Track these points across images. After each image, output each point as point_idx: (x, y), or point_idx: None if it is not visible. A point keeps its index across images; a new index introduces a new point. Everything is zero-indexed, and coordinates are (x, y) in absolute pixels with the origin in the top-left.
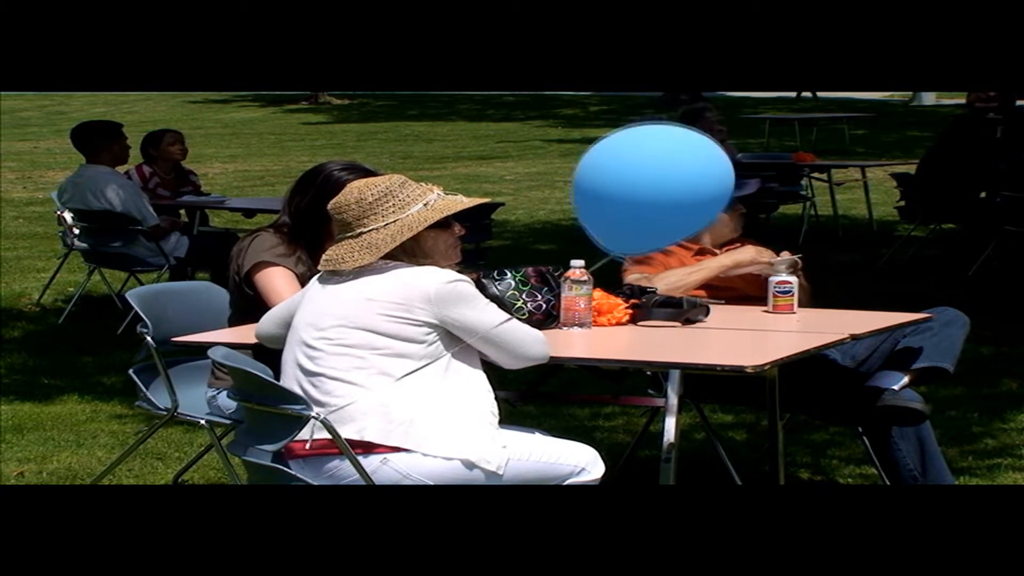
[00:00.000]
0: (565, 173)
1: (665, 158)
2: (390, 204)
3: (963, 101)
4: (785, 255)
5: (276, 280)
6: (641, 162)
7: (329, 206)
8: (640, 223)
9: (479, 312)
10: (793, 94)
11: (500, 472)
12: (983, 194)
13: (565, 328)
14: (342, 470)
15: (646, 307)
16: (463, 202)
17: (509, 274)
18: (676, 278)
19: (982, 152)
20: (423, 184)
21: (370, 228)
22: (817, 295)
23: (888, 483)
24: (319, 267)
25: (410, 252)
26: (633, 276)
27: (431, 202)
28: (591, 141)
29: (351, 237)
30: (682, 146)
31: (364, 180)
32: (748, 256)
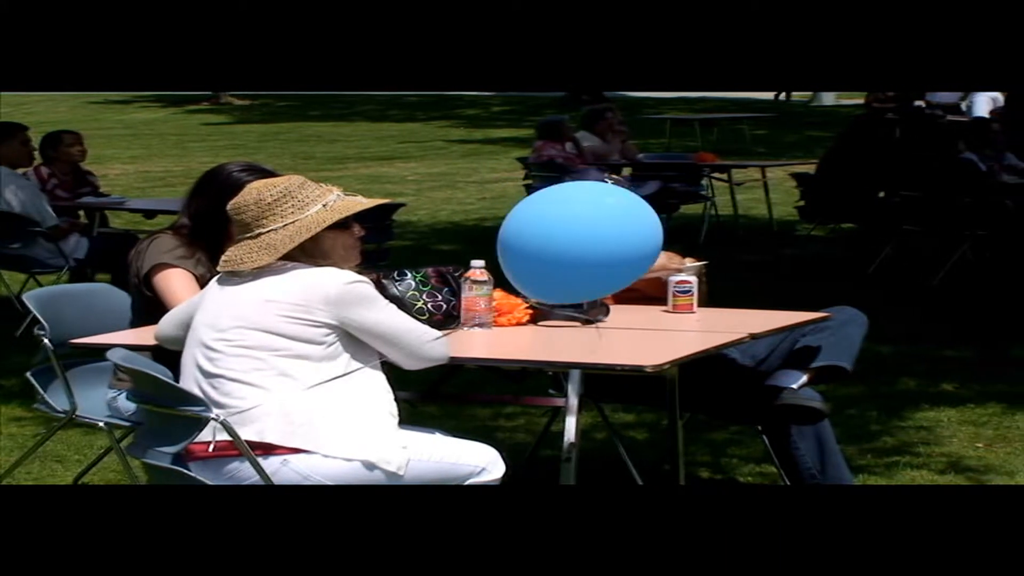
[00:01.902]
0: (467, 173)
1: (593, 219)
2: (289, 205)
3: (862, 101)
4: (691, 261)
5: (175, 282)
6: (569, 222)
7: (228, 207)
8: (566, 280)
9: (379, 313)
10: (695, 94)
11: (401, 473)
12: (882, 194)
13: (466, 328)
14: (242, 472)
15: (546, 307)
16: (362, 203)
17: (409, 275)
18: None
19: (881, 152)
20: (322, 185)
21: (269, 229)
22: (717, 295)
23: (788, 482)
24: (218, 268)
25: (309, 253)
26: None
27: (330, 203)
28: (493, 141)
29: (250, 238)
30: (610, 207)
31: (263, 181)
32: (657, 262)
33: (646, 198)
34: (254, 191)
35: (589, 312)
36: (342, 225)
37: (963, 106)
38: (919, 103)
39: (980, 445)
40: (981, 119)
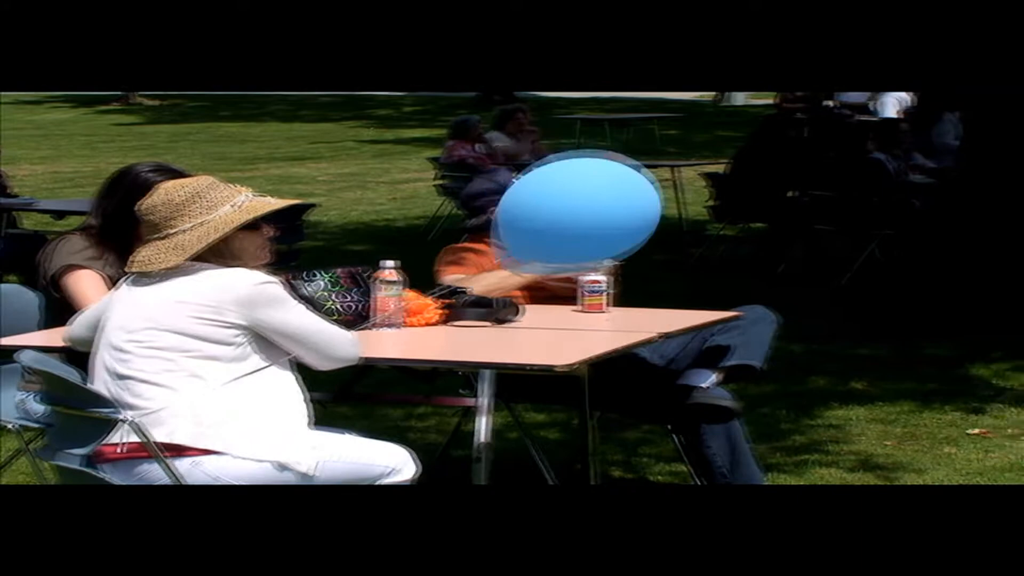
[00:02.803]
0: (378, 174)
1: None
2: (198, 205)
3: (772, 101)
4: (605, 261)
5: (84, 283)
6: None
7: (137, 208)
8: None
9: (289, 314)
10: (606, 94)
11: (312, 474)
12: (791, 193)
13: (376, 329)
14: (153, 473)
15: (457, 307)
16: (272, 203)
17: (320, 275)
18: (495, 280)
19: (790, 152)
20: (232, 186)
21: (178, 229)
22: (629, 294)
23: (699, 481)
24: (127, 269)
25: (219, 253)
26: (449, 277)
27: (240, 203)
28: (405, 142)
29: (159, 239)
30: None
31: (173, 181)
32: None
33: None
34: (163, 192)
35: (500, 312)
36: (252, 226)
37: (871, 106)
38: (828, 103)
39: (889, 443)
40: (889, 119)
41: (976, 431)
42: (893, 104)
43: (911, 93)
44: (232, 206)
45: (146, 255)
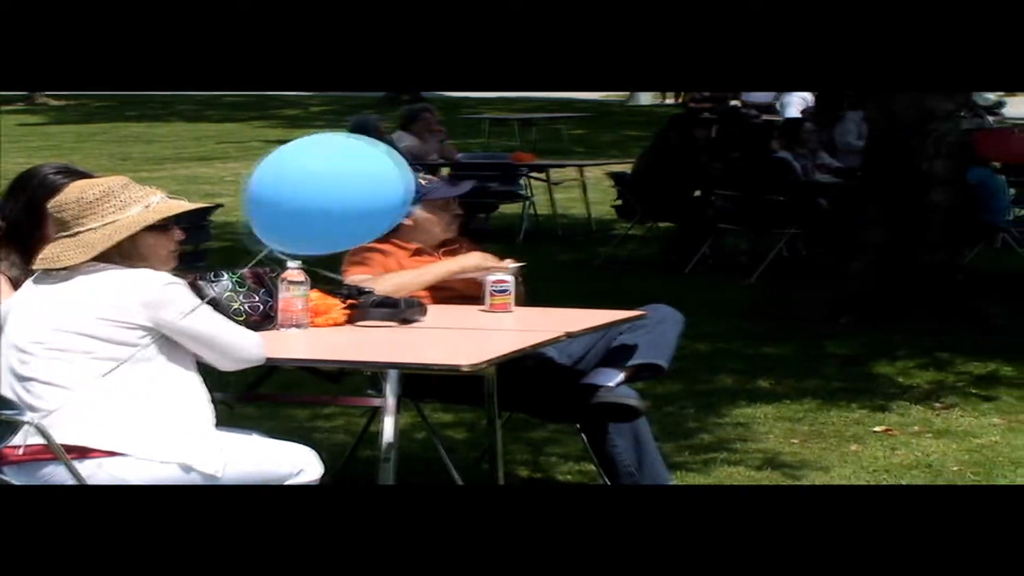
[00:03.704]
0: None
1: (337, 169)
2: (110, 204)
3: (677, 101)
4: (509, 262)
5: None
6: (315, 172)
7: (49, 204)
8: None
9: (194, 315)
10: (513, 94)
11: (217, 475)
12: (698, 192)
13: (282, 329)
14: (57, 476)
15: (363, 307)
16: (184, 206)
17: (226, 276)
18: (401, 281)
19: (697, 152)
20: (146, 187)
21: (87, 228)
22: (535, 294)
23: (606, 480)
24: (33, 266)
25: (126, 254)
26: (355, 278)
27: (152, 204)
28: None
29: (67, 236)
30: (356, 157)
31: (87, 180)
32: (473, 262)
33: (462, 198)
34: (76, 189)
35: (406, 312)
36: (162, 228)
37: (777, 105)
38: (735, 103)
39: (795, 441)
40: (794, 119)
41: (881, 429)
42: (798, 103)
43: (817, 92)
44: (144, 207)
45: (52, 252)
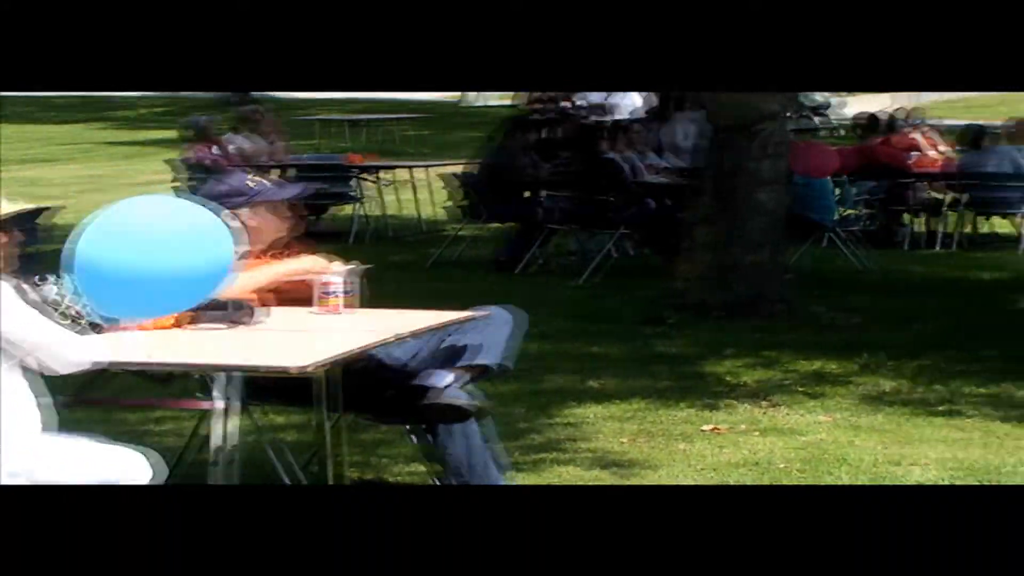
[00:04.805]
0: (118, 176)
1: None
2: None
3: (511, 102)
4: (339, 264)
5: None
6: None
7: None
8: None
9: (20, 318)
10: (345, 95)
11: (45, 480)
12: (529, 193)
13: (111, 333)
14: None
15: (193, 310)
16: (5, 208)
17: (52, 279)
18: (236, 283)
19: (529, 152)
20: None
21: None
22: (367, 295)
23: (437, 481)
24: None
25: None
26: None
27: None
28: (145, 143)
29: None
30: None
31: None
32: (304, 265)
33: (294, 200)
34: None
35: (235, 314)
36: None
37: (607, 106)
38: (566, 104)
39: (625, 440)
40: (625, 119)
41: (709, 427)
42: (628, 105)
43: (647, 94)
44: None
45: None
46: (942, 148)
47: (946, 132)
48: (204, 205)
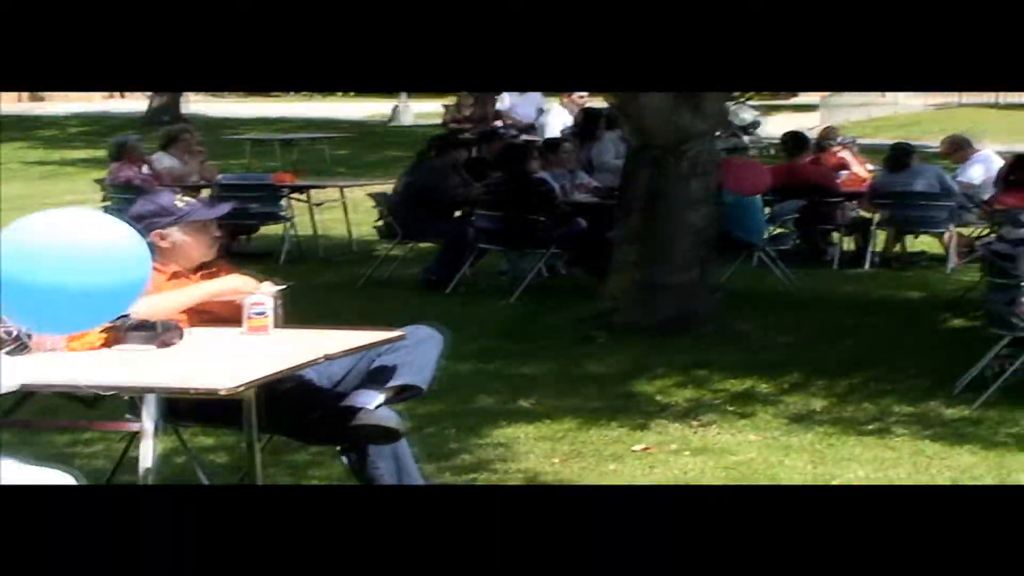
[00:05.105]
0: (44, 196)
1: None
2: None
3: (440, 121)
4: (268, 285)
5: None
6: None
7: None
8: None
9: None
10: (275, 114)
11: None
12: (459, 213)
13: (37, 354)
14: None
15: (120, 331)
16: None
17: None
18: (158, 303)
19: (458, 171)
20: None
21: None
22: (297, 315)
23: None
24: None
25: None
26: None
27: None
28: (71, 163)
29: None
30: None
31: None
32: (232, 285)
33: (223, 219)
34: None
35: (163, 335)
36: None
37: (536, 125)
38: (496, 123)
39: (556, 460)
40: (554, 139)
41: (640, 447)
42: (557, 123)
43: (575, 113)
44: None
45: None
46: (871, 167)
47: (874, 151)
48: (124, 221)
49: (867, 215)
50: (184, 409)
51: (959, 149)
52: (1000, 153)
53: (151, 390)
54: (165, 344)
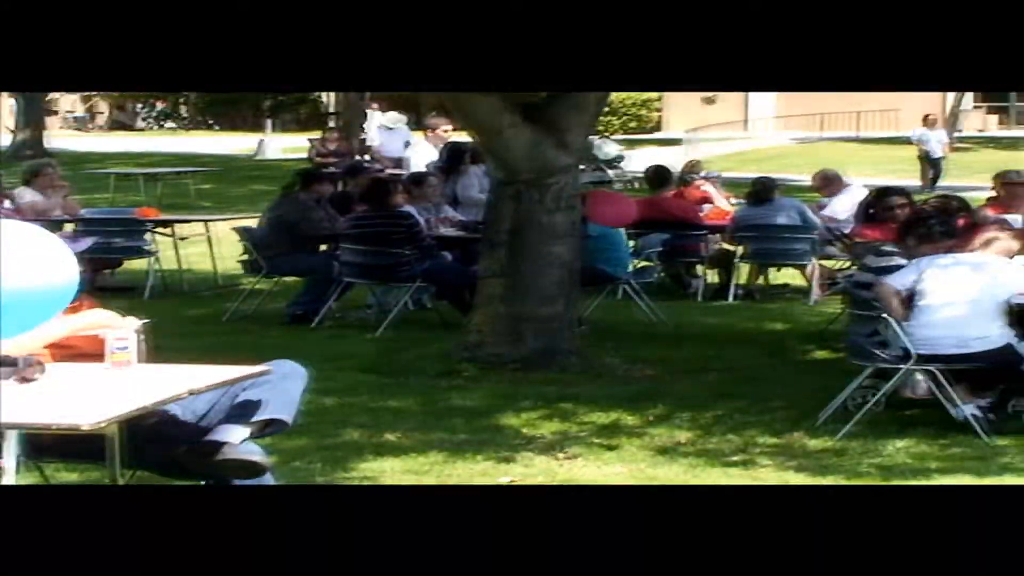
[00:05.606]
0: None
1: None
2: None
3: (305, 155)
4: (131, 319)
5: None
6: None
7: None
8: None
9: None
10: (140, 149)
11: None
12: (324, 247)
13: None
14: None
15: None
16: None
17: None
18: (20, 338)
19: (322, 207)
20: None
21: None
22: (161, 350)
23: None
24: None
25: None
26: None
27: None
28: None
29: None
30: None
31: None
32: (95, 319)
33: (85, 254)
34: None
35: (24, 370)
36: None
37: (403, 160)
38: (362, 157)
39: None
40: (419, 172)
41: (506, 480)
42: (422, 158)
43: (440, 148)
44: None
45: None
46: (734, 200)
47: (737, 185)
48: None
49: (730, 248)
50: (47, 445)
51: (830, 183)
52: (866, 186)
53: (12, 426)
54: (26, 380)
